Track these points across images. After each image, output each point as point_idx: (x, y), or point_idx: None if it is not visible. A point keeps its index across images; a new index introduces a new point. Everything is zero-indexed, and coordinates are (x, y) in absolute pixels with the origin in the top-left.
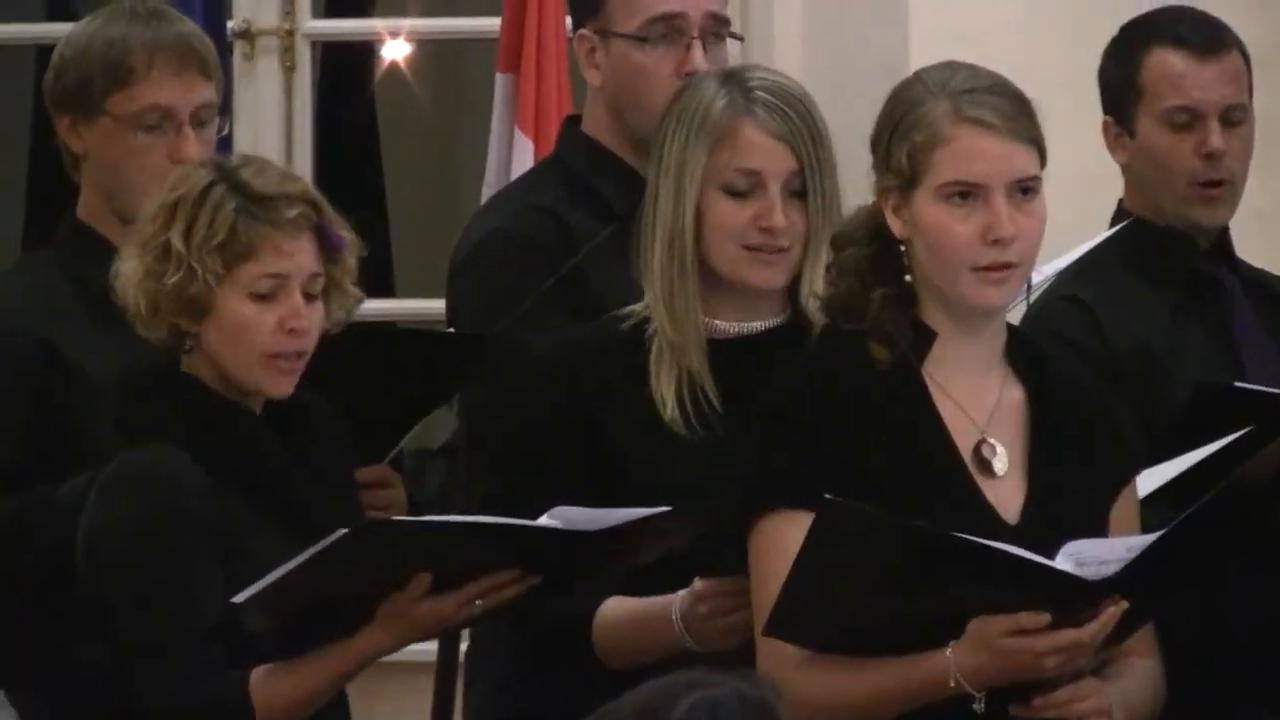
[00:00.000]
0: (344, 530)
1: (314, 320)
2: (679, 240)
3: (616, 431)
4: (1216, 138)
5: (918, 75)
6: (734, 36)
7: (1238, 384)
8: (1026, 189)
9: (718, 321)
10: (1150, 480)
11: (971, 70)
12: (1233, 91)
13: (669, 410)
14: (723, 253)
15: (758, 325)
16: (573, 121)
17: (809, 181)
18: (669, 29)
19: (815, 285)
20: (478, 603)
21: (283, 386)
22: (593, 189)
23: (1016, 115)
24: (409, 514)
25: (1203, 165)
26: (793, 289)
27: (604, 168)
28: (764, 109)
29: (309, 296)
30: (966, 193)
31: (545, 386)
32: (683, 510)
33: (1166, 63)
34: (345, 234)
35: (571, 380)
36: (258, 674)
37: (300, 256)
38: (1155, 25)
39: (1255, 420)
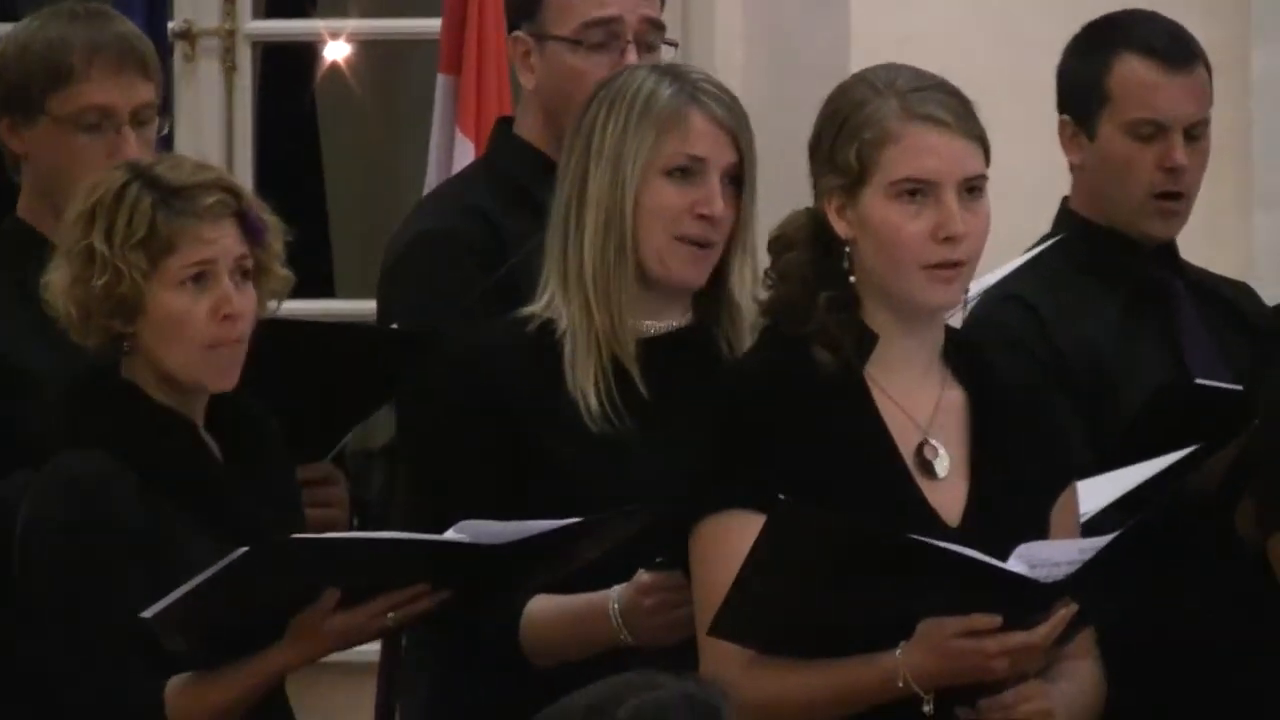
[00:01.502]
0: (243, 549)
1: (247, 304)
2: (616, 225)
3: (535, 431)
4: (1180, 152)
5: (860, 76)
6: (669, 43)
7: (1200, 381)
8: (974, 188)
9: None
10: (1097, 496)
11: (915, 71)
12: (1199, 107)
13: (591, 404)
14: (653, 241)
15: (665, 325)
16: (505, 123)
17: (746, 174)
18: (605, 34)
19: (743, 280)
20: (390, 615)
21: (225, 381)
22: (524, 191)
23: (965, 114)
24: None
25: (1162, 177)
26: (700, 290)
27: (536, 170)
28: (711, 99)
29: (240, 281)
30: (917, 190)
31: (459, 392)
32: (598, 519)
33: (1136, 72)
34: (267, 217)
35: (484, 382)
36: (173, 684)
37: (223, 242)
38: (1125, 29)
39: (1213, 418)
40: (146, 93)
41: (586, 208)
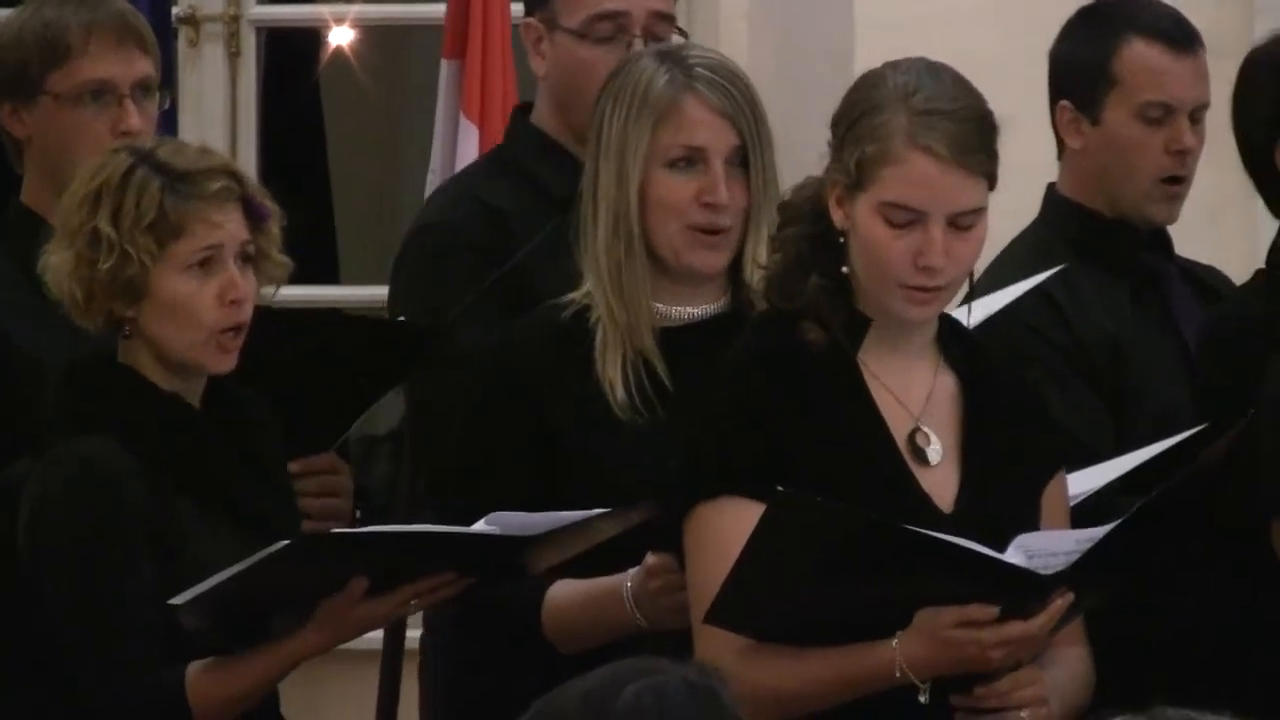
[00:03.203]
0: (284, 542)
1: (251, 289)
2: (624, 219)
3: (564, 421)
4: (1189, 135)
5: (888, 73)
6: (680, 33)
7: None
8: (965, 220)
9: (659, 306)
10: (1094, 479)
11: (939, 82)
12: (1205, 90)
13: (618, 394)
14: (664, 232)
15: (700, 310)
16: (521, 111)
17: (751, 156)
18: (612, 27)
19: (759, 260)
20: (413, 602)
21: (224, 363)
22: (534, 178)
23: (971, 146)
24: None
25: (1170, 161)
26: (735, 274)
27: (547, 156)
28: (705, 85)
29: (242, 266)
30: (905, 215)
31: (488, 381)
32: (620, 510)
33: (1145, 55)
34: (267, 203)
35: (514, 373)
36: (194, 670)
37: (230, 226)
38: (1127, 13)
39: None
40: (146, 66)
41: (599, 203)
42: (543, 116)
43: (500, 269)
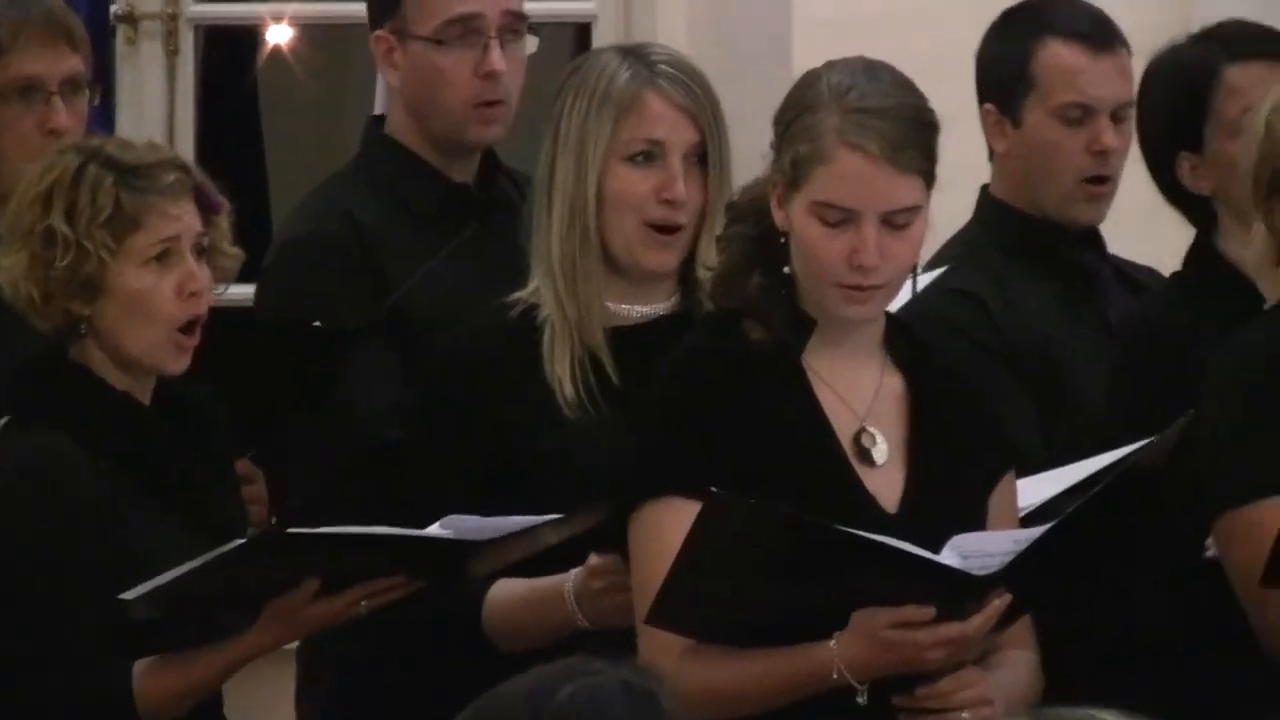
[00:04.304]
0: (240, 541)
1: (208, 281)
2: (580, 213)
3: (515, 419)
4: (1109, 135)
5: (824, 73)
6: (532, 33)
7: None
8: (901, 219)
9: (609, 305)
10: (1041, 491)
11: (876, 81)
12: (1125, 89)
13: (566, 391)
14: (621, 229)
15: (650, 310)
16: (376, 121)
17: (710, 154)
18: (466, 30)
19: (708, 261)
20: (362, 604)
21: (181, 363)
22: (393, 190)
23: (904, 143)
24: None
25: (1091, 161)
26: (686, 274)
27: (404, 168)
28: (668, 81)
29: (197, 258)
30: (838, 214)
31: (439, 382)
32: (569, 517)
33: (1061, 56)
34: (218, 196)
35: (469, 372)
36: (141, 666)
37: (186, 218)
38: (1045, 14)
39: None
40: (75, 63)
41: (554, 196)
42: (398, 128)
43: (380, 305)
